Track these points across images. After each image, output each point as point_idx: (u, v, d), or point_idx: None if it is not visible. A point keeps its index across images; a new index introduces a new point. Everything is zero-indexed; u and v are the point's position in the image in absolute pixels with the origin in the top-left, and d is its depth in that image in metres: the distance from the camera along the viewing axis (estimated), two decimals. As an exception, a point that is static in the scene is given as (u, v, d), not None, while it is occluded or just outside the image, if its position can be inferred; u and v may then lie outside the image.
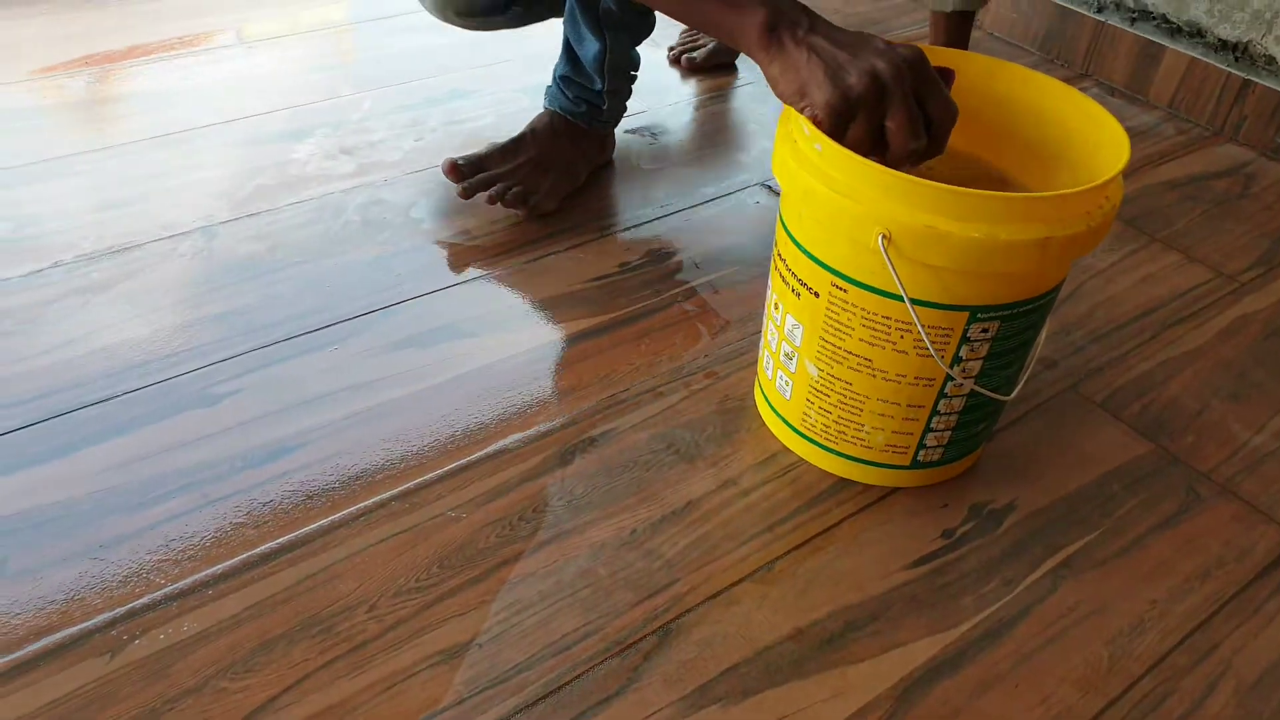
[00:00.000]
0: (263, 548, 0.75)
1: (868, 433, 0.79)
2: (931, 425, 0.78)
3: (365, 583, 0.73)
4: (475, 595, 0.72)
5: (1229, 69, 1.38)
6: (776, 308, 0.79)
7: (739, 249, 1.10)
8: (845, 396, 0.77)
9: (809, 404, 0.80)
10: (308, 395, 0.87)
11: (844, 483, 0.83)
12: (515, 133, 1.14)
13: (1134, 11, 1.47)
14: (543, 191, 1.11)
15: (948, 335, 0.71)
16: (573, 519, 0.79)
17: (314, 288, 0.99)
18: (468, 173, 1.10)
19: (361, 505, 0.78)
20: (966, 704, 0.68)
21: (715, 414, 0.89)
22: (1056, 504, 0.84)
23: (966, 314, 0.70)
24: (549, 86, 1.15)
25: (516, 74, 1.40)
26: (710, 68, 1.46)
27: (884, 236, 0.65)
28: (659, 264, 1.06)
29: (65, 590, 0.71)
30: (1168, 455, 0.89)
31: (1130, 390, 0.95)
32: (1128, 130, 0.88)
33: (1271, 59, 1.35)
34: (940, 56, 0.78)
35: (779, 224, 0.78)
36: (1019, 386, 0.79)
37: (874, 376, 0.75)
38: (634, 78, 1.15)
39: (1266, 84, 1.35)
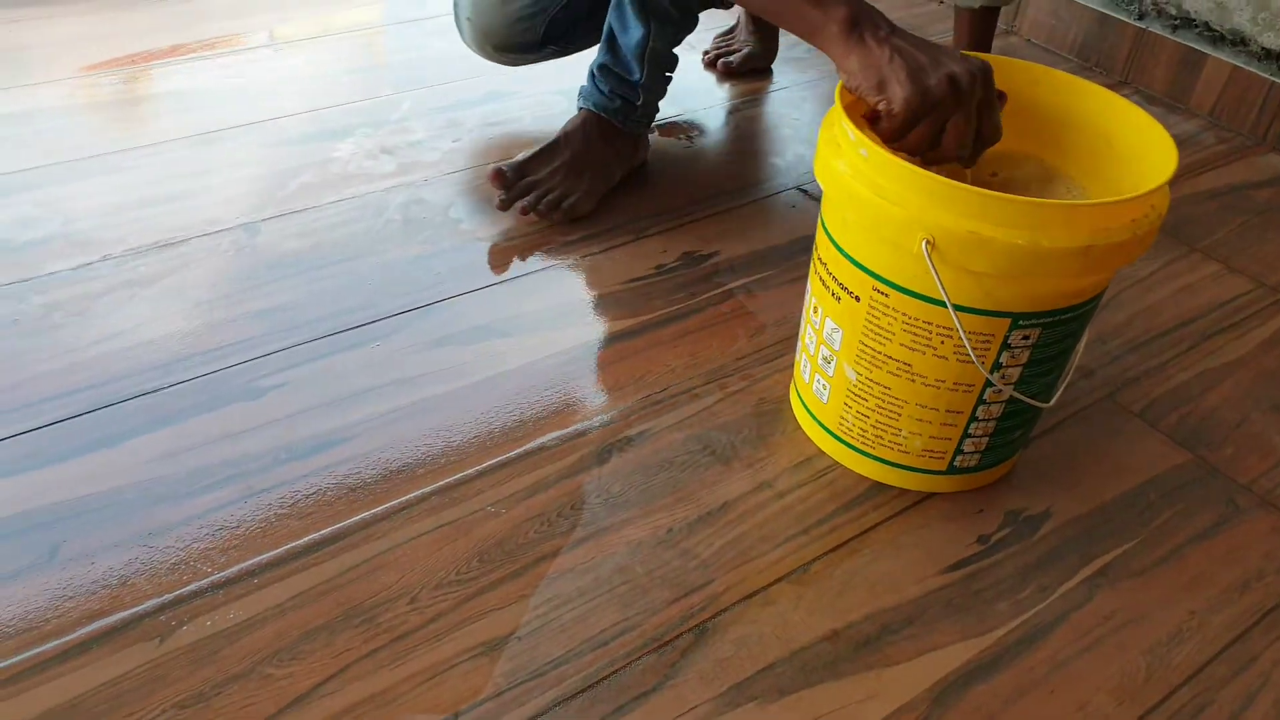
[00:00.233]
0: (306, 539, 0.76)
1: (905, 438, 0.79)
2: (969, 431, 0.78)
3: (407, 575, 0.74)
4: (514, 589, 0.74)
5: (1272, 78, 1.37)
6: (815, 311, 0.80)
7: (774, 252, 1.10)
8: (883, 401, 0.77)
9: (846, 408, 0.81)
10: (350, 390, 0.89)
11: (879, 487, 0.84)
12: (552, 135, 1.15)
13: (1176, 19, 1.46)
14: (579, 194, 1.12)
15: (989, 341, 0.71)
16: (610, 517, 0.79)
17: (356, 285, 1.01)
18: (512, 179, 1.12)
19: (403, 499, 0.79)
20: (1002, 709, 0.69)
21: (751, 416, 0.89)
22: (1093, 512, 0.84)
23: (1008, 320, 0.70)
24: (584, 85, 1.16)
25: (552, 76, 1.41)
26: (746, 72, 1.46)
27: (928, 242, 0.66)
28: (694, 266, 1.07)
29: (116, 576, 0.73)
30: (1207, 466, 0.89)
31: (1168, 400, 0.95)
32: (1170, 139, 0.88)
33: (1315, 69, 1.34)
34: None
35: (819, 228, 0.78)
36: (1058, 394, 0.79)
37: (913, 381, 0.75)
38: (669, 79, 1.16)
39: (1309, 94, 1.35)
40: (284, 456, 0.82)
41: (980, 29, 1.26)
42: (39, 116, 1.26)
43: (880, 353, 0.75)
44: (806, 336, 0.83)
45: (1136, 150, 0.76)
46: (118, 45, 1.43)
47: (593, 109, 1.15)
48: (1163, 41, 1.47)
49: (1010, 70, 0.79)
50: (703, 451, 0.85)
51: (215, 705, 0.65)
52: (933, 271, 0.67)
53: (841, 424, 0.82)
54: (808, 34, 0.77)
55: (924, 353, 0.73)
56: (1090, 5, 1.55)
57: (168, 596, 0.72)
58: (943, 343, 0.72)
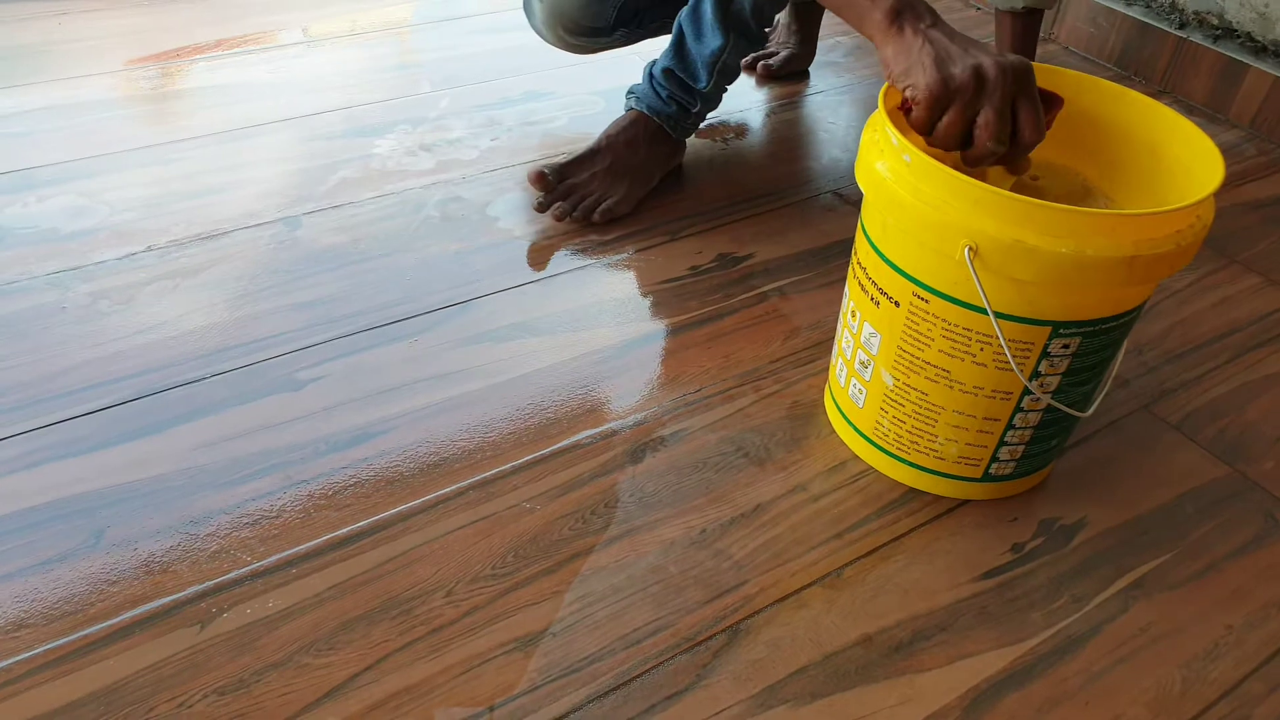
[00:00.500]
0: (344, 530, 0.77)
1: (941, 444, 0.79)
2: (1006, 439, 0.78)
3: (443, 568, 0.75)
4: (549, 585, 0.74)
5: (1314, 91, 1.36)
6: (853, 315, 0.80)
7: (809, 255, 1.11)
8: (920, 407, 0.78)
9: (882, 413, 0.81)
10: (389, 384, 0.90)
11: (913, 493, 0.84)
12: (591, 137, 1.16)
13: (1217, 29, 1.45)
14: (618, 197, 1.13)
15: (1028, 349, 0.71)
16: (643, 516, 0.80)
17: (394, 280, 1.02)
18: (554, 181, 1.13)
19: (440, 493, 0.80)
20: (1035, 718, 0.69)
21: (785, 419, 0.89)
22: (1128, 523, 0.83)
23: (1049, 329, 0.70)
24: (637, 85, 1.16)
25: (591, 76, 1.42)
26: (784, 75, 1.47)
27: (971, 249, 0.66)
28: (729, 268, 1.07)
29: (159, 562, 0.74)
30: (1246, 480, 0.88)
31: (1206, 412, 0.95)
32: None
33: (1359, 82, 1.33)
34: (1042, 77, 0.78)
35: (859, 232, 0.78)
36: (1096, 403, 0.79)
37: (951, 388, 0.75)
38: (727, 90, 1.17)
39: (1353, 107, 1.33)
40: (323, 448, 0.83)
41: (1023, 33, 1.25)
42: (86, 109, 1.28)
43: (918, 358, 0.75)
44: (843, 341, 0.83)
45: (1181, 161, 0.75)
46: (161, 40, 1.45)
47: (645, 111, 1.15)
48: (1203, 51, 1.46)
49: (1054, 78, 0.79)
50: (736, 453, 0.86)
51: (255, 692, 0.66)
52: (975, 279, 0.67)
53: (877, 429, 0.82)
54: (857, 22, 0.79)
55: (963, 359, 0.73)
56: (1130, 14, 1.54)
57: (209, 584, 0.73)
58: (982, 350, 0.72)
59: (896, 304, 0.74)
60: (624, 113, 1.17)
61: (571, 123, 1.32)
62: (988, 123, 0.70)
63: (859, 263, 0.79)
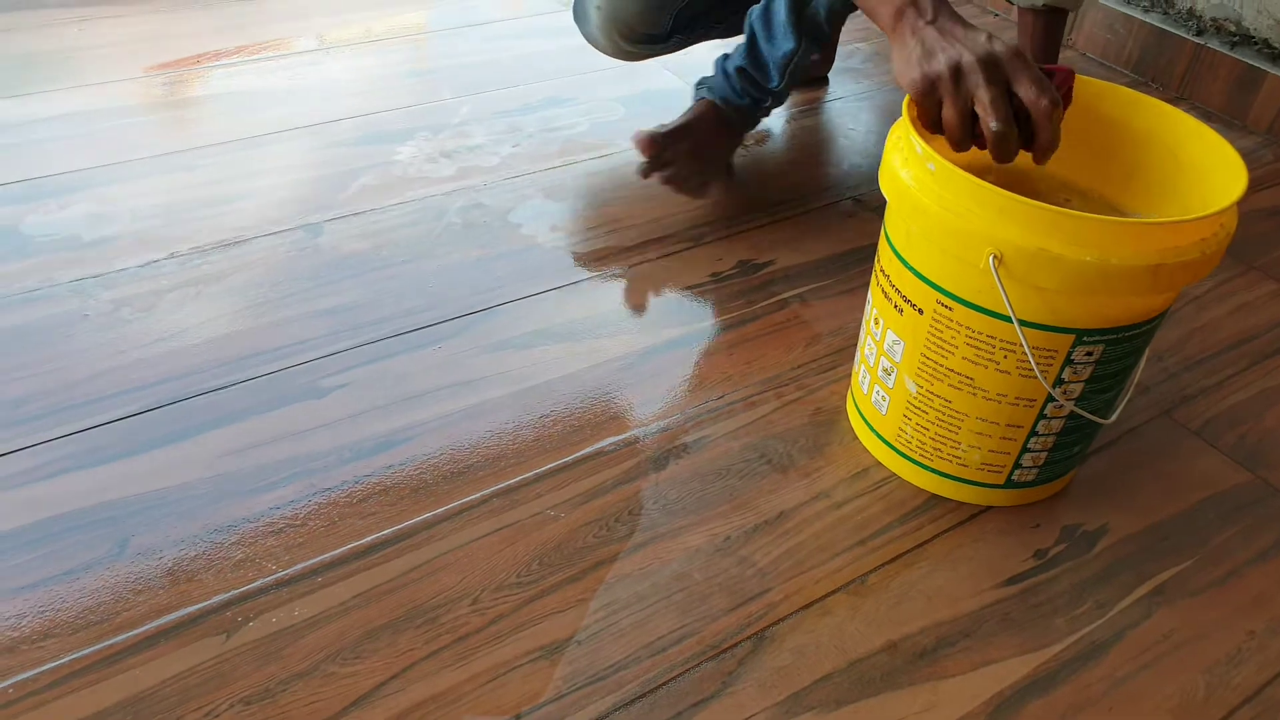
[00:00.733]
0: (369, 538, 0.77)
1: (964, 451, 0.79)
2: (1029, 446, 0.78)
3: (468, 576, 0.75)
4: (574, 593, 0.74)
5: (1332, 95, 1.36)
6: (876, 323, 0.80)
7: (829, 262, 1.11)
8: (944, 414, 0.78)
9: (905, 420, 0.81)
10: (412, 391, 0.90)
11: (936, 499, 0.84)
12: (614, 143, 1.16)
13: (1235, 36, 1.45)
14: (697, 179, 1.15)
15: (1052, 357, 0.71)
16: (667, 523, 0.80)
17: (417, 287, 1.02)
18: (664, 144, 1.11)
19: (464, 500, 0.81)
20: (1059, 725, 0.69)
21: (807, 426, 0.90)
22: (1150, 529, 0.83)
23: (1072, 337, 0.70)
24: (709, 76, 1.17)
25: (611, 83, 1.43)
26: (804, 82, 1.47)
27: (995, 257, 0.66)
28: (750, 274, 1.08)
29: (184, 571, 0.74)
30: (1267, 486, 0.88)
31: (1226, 419, 0.94)
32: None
33: (1377, 86, 1.32)
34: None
35: (883, 239, 0.79)
36: (1118, 410, 0.79)
37: (974, 395, 0.75)
38: (795, 89, 1.18)
39: (1371, 112, 1.33)
40: (347, 456, 0.84)
41: (1044, 33, 1.24)
42: (105, 115, 1.29)
43: (942, 366, 0.75)
44: (866, 348, 0.83)
45: (1202, 167, 0.75)
46: (179, 47, 1.46)
47: (719, 102, 1.16)
48: (1221, 58, 1.46)
49: (1076, 85, 0.79)
50: (759, 460, 0.86)
51: (281, 701, 0.67)
52: (1000, 287, 0.67)
53: (900, 436, 0.82)
54: (872, 18, 0.81)
55: (987, 367, 0.73)
56: (1148, 20, 1.54)
57: (234, 592, 0.73)
58: (1006, 357, 0.72)
59: (920, 311, 0.74)
60: (694, 102, 1.17)
61: (593, 129, 1.32)
62: (981, 106, 0.71)
63: (882, 270, 0.79)
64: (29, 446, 0.83)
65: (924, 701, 0.69)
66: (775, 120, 1.38)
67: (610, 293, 1.04)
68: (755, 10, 1.12)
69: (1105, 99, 0.81)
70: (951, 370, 0.75)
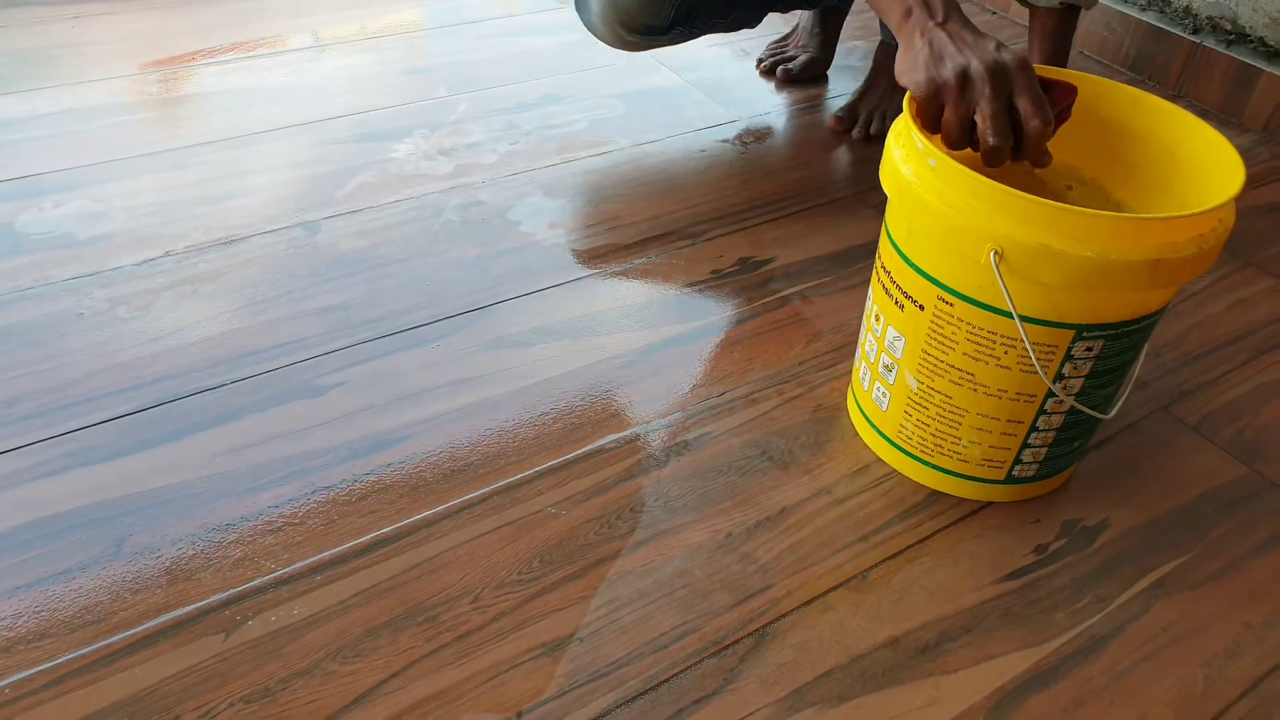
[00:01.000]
0: (368, 536, 0.77)
1: (965, 446, 0.79)
2: (1029, 441, 0.78)
3: (468, 574, 0.75)
4: (575, 590, 0.74)
5: (1327, 93, 1.36)
6: (877, 319, 0.80)
7: (830, 259, 1.11)
8: (944, 410, 0.78)
9: (906, 416, 0.81)
10: (411, 389, 0.90)
11: (937, 495, 0.84)
12: (613, 140, 1.16)
13: (1231, 34, 1.45)
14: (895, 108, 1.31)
15: (1052, 352, 0.71)
16: (669, 520, 0.80)
17: (415, 285, 1.02)
18: (848, 120, 1.35)
19: (464, 498, 0.80)
20: (1060, 718, 0.69)
21: (808, 422, 0.89)
22: (1149, 524, 0.83)
23: (1073, 332, 0.70)
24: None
25: (609, 80, 1.42)
26: (803, 79, 1.47)
27: (996, 253, 0.66)
28: (750, 271, 1.08)
29: (182, 570, 0.74)
30: (1264, 480, 0.88)
31: (1224, 414, 0.95)
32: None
33: (1372, 83, 1.33)
34: (1050, 74, 0.78)
35: (883, 236, 0.79)
36: (1117, 405, 0.79)
37: (975, 391, 0.75)
38: None
39: (1366, 108, 1.33)
40: (345, 454, 0.84)
41: (1055, 32, 1.21)
42: (99, 113, 1.28)
43: (943, 361, 0.75)
44: (867, 344, 0.83)
45: (1200, 164, 0.75)
46: (173, 44, 1.46)
47: (888, 40, 1.33)
48: (1217, 56, 1.46)
49: (1074, 82, 0.79)
50: (760, 456, 0.86)
51: (281, 700, 0.66)
52: (1000, 283, 0.67)
53: (901, 432, 0.82)
54: (882, 15, 0.82)
55: (987, 362, 0.73)
56: (1144, 19, 1.54)
57: (233, 591, 0.73)
58: (1006, 353, 0.72)
59: (921, 307, 0.74)
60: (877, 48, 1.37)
61: (591, 126, 1.32)
62: (982, 119, 0.72)
63: (883, 266, 0.79)
64: (24, 445, 0.82)
65: (926, 696, 0.69)
66: (776, 118, 1.38)
67: (610, 290, 1.04)
68: None
69: (1106, 97, 0.81)
70: (952, 366, 0.75)
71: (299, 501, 0.79)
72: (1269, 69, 1.41)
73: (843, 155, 1.31)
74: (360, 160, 1.21)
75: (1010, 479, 0.81)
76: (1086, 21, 1.62)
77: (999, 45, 0.74)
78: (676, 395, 0.91)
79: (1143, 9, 1.56)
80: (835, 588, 0.76)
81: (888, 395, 0.82)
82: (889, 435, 0.84)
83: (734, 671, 0.70)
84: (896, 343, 0.78)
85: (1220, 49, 1.46)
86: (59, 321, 0.95)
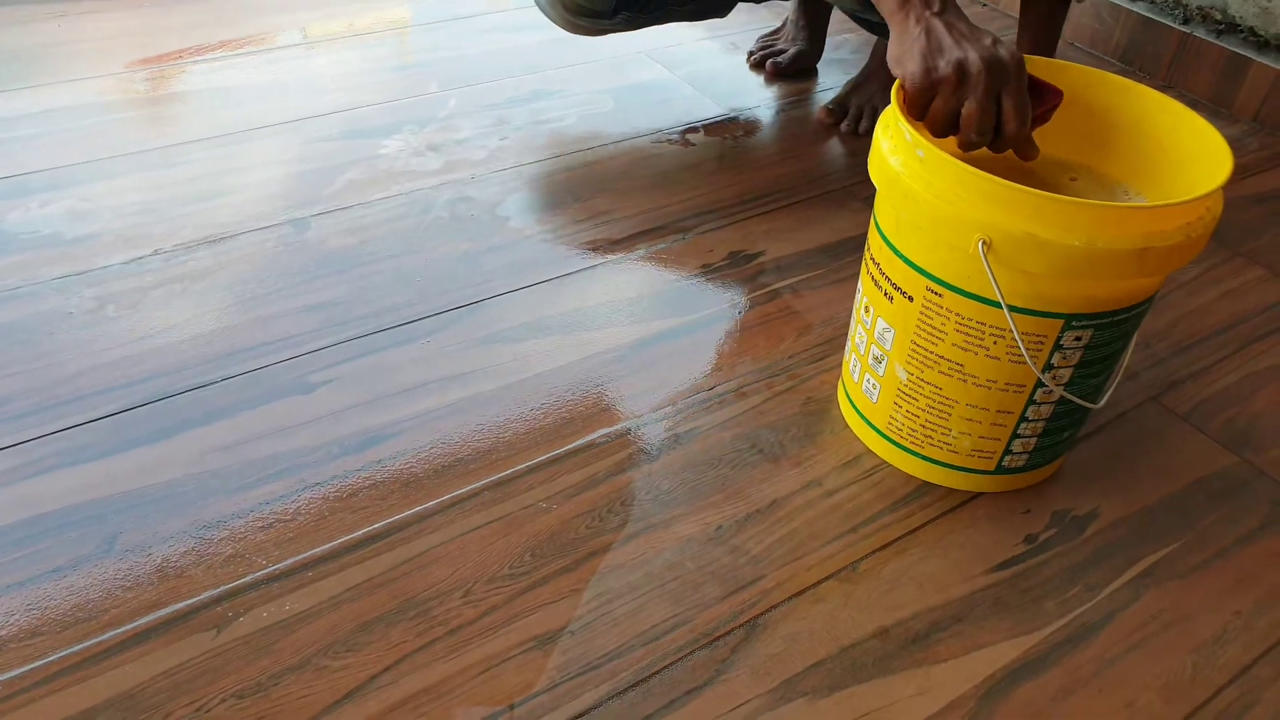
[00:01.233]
0: (359, 532, 0.77)
1: (954, 437, 0.79)
2: (1019, 431, 0.78)
3: (460, 569, 0.75)
4: (566, 584, 0.74)
5: (1316, 82, 1.37)
6: (867, 311, 0.80)
7: (820, 252, 1.11)
8: (934, 401, 0.78)
9: (896, 407, 0.81)
10: (401, 386, 0.90)
11: (927, 486, 0.84)
12: (603, 135, 1.16)
13: (1221, 24, 1.45)
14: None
15: (1041, 342, 0.71)
16: (660, 513, 0.80)
17: (404, 281, 1.02)
18: (838, 113, 1.35)
19: (455, 494, 0.80)
20: (1049, 706, 0.69)
21: (799, 415, 0.90)
22: (1139, 513, 0.84)
23: (1061, 321, 0.70)
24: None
25: (599, 75, 1.42)
26: (792, 73, 1.47)
27: (984, 243, 0.66)
28: (740, 265, 1.08)
29: (173, 567, 0.74)
30: (1253, 469, 0.88)
31: (1214, 403, 0.95)
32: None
33: (1360, 72, 1.33)
34: (1040, 68, 0.78)
35: (872, 227, 0.79)
36: (1107, 395, 0.79)
37: (964, 381, 0.75)
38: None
39: (1354, 98, 1.34)
40: (336, 451, 0.84)
41: (1047, 21, 1.22)
42: (85, 112, 1.27)
43: (932, 353, 0.75)
44: (857, 336, 0.83)
45: (1189, 154, 0.76)
46: (160, 42, 1.45)
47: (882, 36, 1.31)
48: (1207, 46, 1.46)
49: (1061, 72, 0.80)
50: (751, 450, 0.86)
51: (273, 696, 0.66)
52: (989, 272, 0.67)
53: (891, 423, 0.82)
54: (879, 6, 0.81)
55: (976, 353, 0.73)
56: (1135, 9, 1.55)
57: (224, 588, 0.73)
58: (995, 343, 0.72)
59: (910, 298, 0.74)
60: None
61: (581, 121, 1.32)
62: (969, 114, 0.73)
63: (872, 258, 0.79)
64: (14, 445, 0.82)
65: (916, 686, 0.69)
66: (765, 111, 1.38)
67: (600, 285, 1.04)
68: None
69: (1095, 87, 0.81)
70: (942, 357, 0.75)
71: (290, 498, 0.79)
72: (1259, 59, 1.41)
73: (833, 148, 1.31)
74: (349, 157, 1.21)
75: (1000, 469, 0.81)
76: (1077, 13, 1.62)
77: (995, 40, 0.74)
78: (667, 389, 0.92)
79: (1133, 0, 1.56)
80: (826, 579, 0.76)
81: (878, 387, 0.82)
82: (879, 427, 0.84)
83: (725, 663, 0.70)
84: (886, 334, 0.78)
85: (1210, 39, 1.46)
86: (47, 321, 0.94)
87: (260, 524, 0.77)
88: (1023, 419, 0.77)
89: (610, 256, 1.08)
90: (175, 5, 1.56)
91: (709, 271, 1.07)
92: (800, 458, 0.86)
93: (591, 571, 0.75)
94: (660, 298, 1.03)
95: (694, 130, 1.32)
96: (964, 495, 0.83)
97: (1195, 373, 0.98)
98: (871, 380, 0.82)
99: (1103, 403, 0.79)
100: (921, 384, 0.78)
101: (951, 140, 0.76)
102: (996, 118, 0.74)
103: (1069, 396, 0.75)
